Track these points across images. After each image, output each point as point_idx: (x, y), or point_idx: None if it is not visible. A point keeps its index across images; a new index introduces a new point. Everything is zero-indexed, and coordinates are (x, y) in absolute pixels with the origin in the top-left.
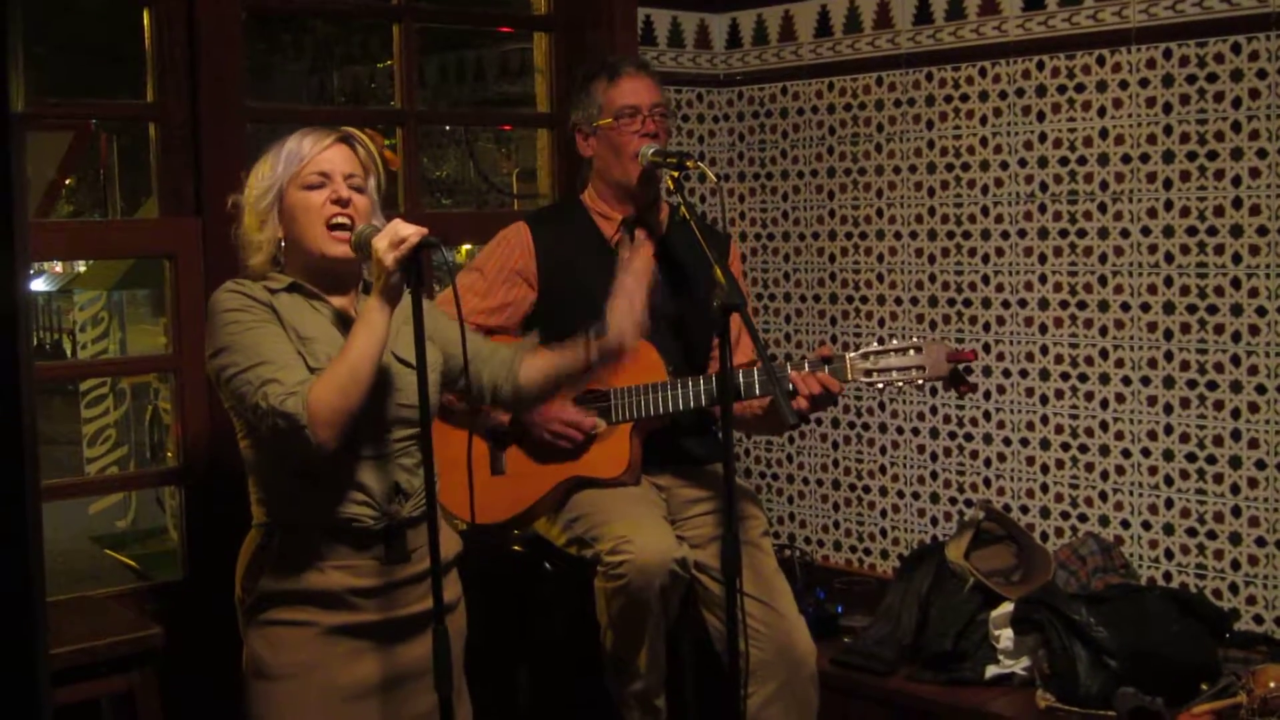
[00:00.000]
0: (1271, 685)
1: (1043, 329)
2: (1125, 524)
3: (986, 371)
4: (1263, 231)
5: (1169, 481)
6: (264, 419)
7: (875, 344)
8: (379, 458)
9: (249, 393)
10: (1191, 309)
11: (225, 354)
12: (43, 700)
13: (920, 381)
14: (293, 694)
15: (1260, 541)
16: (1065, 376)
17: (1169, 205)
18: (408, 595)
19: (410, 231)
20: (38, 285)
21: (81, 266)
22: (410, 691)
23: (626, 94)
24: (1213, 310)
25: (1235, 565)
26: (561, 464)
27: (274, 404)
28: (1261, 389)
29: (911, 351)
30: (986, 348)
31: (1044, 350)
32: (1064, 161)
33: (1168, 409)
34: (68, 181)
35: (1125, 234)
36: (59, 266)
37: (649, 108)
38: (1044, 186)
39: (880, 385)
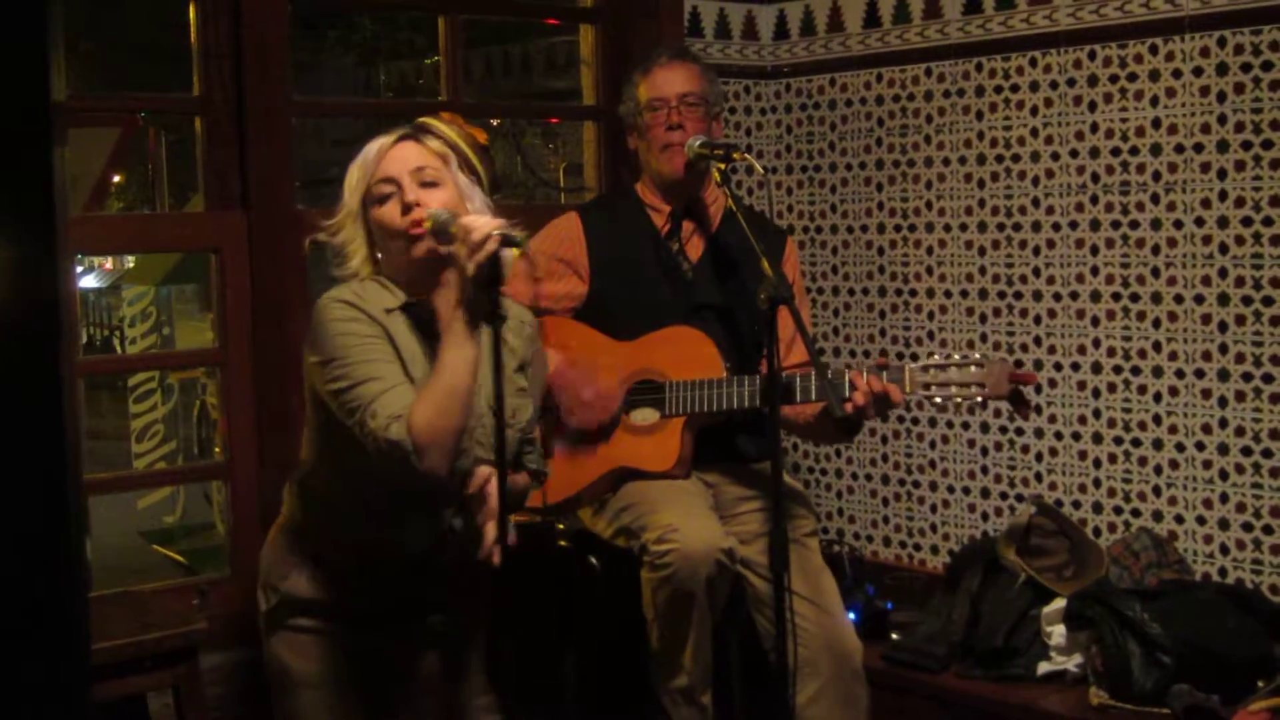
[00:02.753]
0: None
1: (1095, 321)
2: (1179, 519)
3: (1038, 365)
4: None
5: (1224, 476)
6: (369, 439)
7: (937, 357)
8: (438, 500)
9: (356, 409)
10: (1246, 300)
11: (335, 365)
12: (86, 695)
13: (979, 399)
14: (315, 703)
15: None
16: (1118, 370)
17: (1223, 195)
18: (429, 610)
19: (485, 232)
20: (88, 281)
21: (131, 262)
22: (429, 702)
23: (656, 86)
24: (1268, 302)
25: None
26: (611, 453)
27: (378, 429)
28: None
29: (973, 368)
30: (1038, 340)
31: (1096, 343)
32: (1116, 152)
33: (1222, 402)
34: (117, 177)
35: (1179, 225)
36: (109, 263)
37: (676, 99)
38: (1096, 177)
39: (938, 400)
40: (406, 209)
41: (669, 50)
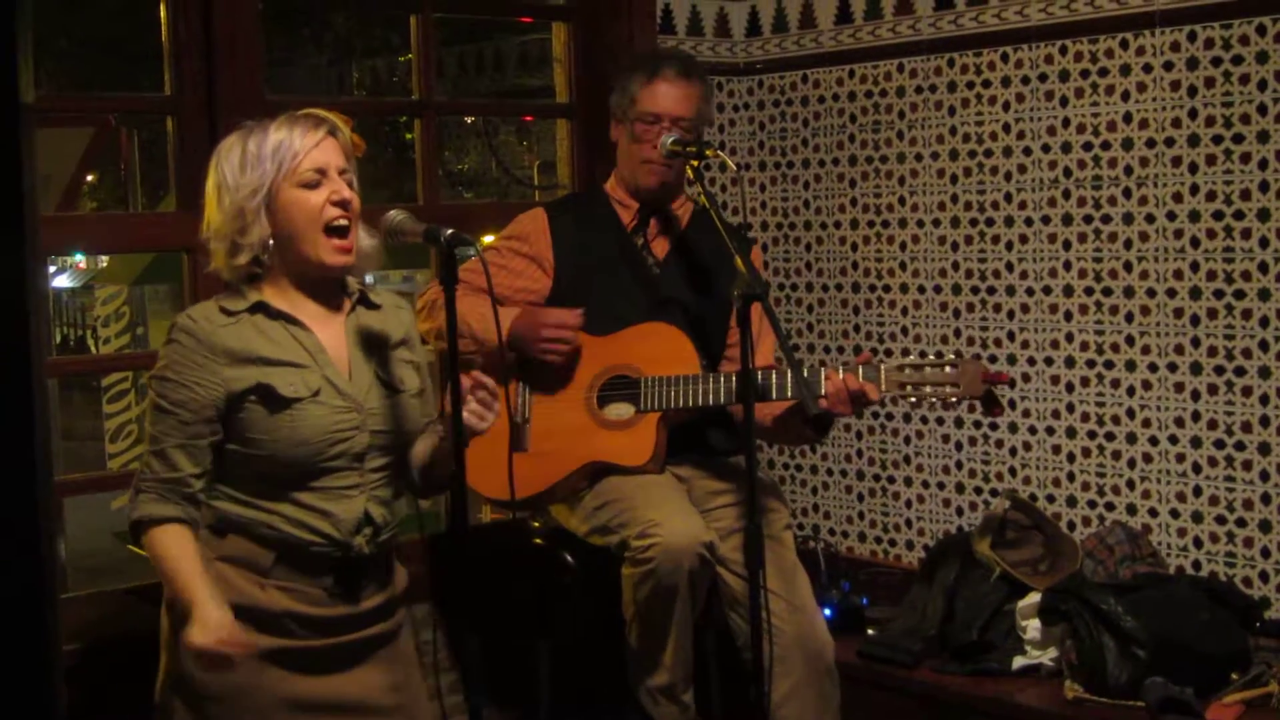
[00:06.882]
0: None
1: (1067, 316)
2: (1153, 512)
3: (1011, 360)
4: None
5: (1197, 469)
6: (138, 475)
7: (912, 356)
8: (352, 487)
9: (151, 439)
10: (1218, 294)
11: (157, 393)
12: (56, 696)
13: (953, 400)
14: (221, 717)
15: None
16: (1091, 364)
17: (1194, 189)
18: (351, 626)
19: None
20: (61, 281)
21: (104, 262)
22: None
23: (656, 99)
24: (1240, 295)
25: (1265, 553)
26: (585, 447)
27: (142, 483)
28: None
29: (947, 368)
30: (1010, 335)
31: (1069, 338)
32: (1088, 147)
33: (1195, 395)
34: (90, 178)
35: (1150, 219)
36: (83, 263)
37: (670, 120)
38: (1068, 172)
39: (913, 399)
40: (340, 203)
41: (678, 63)
